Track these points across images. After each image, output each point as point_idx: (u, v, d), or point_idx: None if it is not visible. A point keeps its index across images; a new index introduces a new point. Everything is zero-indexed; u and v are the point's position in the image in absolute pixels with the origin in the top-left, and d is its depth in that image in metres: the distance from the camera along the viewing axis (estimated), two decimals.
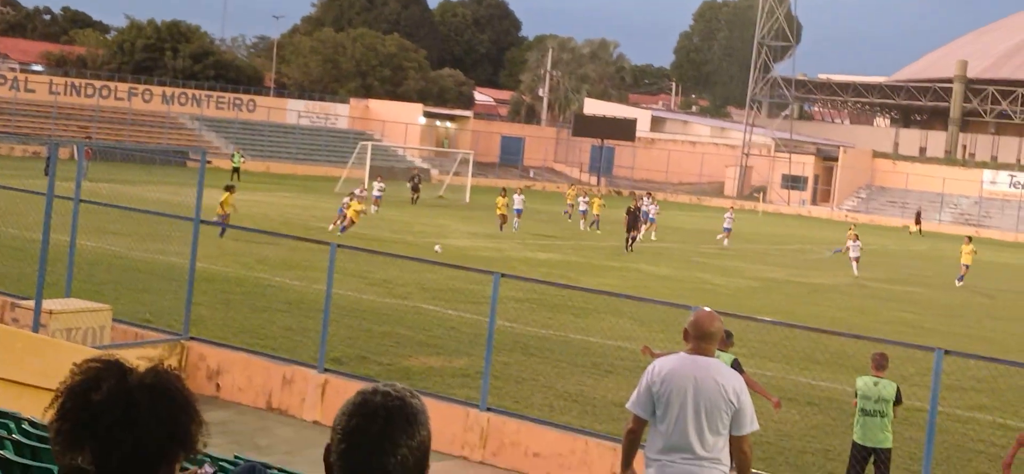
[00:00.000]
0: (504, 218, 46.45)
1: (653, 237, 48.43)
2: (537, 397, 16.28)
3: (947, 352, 11.95)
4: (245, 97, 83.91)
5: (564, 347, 20.67)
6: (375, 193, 49.50)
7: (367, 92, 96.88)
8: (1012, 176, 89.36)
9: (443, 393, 15.01)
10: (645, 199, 53.01)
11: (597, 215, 51.19)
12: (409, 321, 21.85)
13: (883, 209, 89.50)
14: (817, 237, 49.85)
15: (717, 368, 7.31)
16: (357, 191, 42.29)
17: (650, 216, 50.46)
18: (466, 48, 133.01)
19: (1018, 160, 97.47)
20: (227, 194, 33.31)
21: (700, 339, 7.34)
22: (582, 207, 52.37)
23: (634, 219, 43.64)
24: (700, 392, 7.16)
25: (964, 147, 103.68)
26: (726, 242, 49.42)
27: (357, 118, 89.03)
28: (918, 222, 74.27)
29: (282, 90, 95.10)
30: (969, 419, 17.71)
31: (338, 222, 38.62)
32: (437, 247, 34.73)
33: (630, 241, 42.66)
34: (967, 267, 41.09)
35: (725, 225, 50.75)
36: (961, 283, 40.43)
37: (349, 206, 38.75)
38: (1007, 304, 36.81)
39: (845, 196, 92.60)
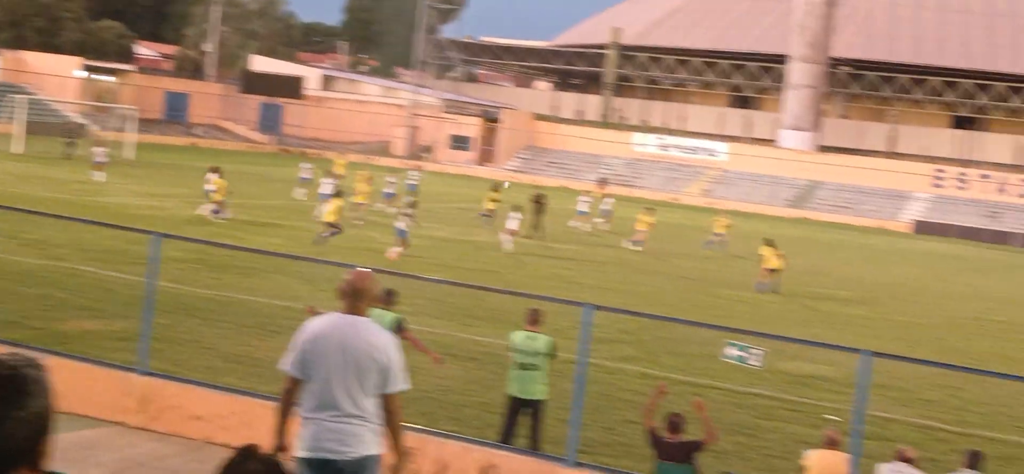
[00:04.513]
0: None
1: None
2: (199, 359, 16.09)
3: (597, 308, 12.58)
4: None
5: (228, 308, 20.47)
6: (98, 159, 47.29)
7: (20, 43, 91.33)
8: (660, 139, 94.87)
9: (100, 358, 14.58)
10: (414, 172, 53.00)
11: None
12: (65, 283, 21.03)
13: (544, 169, 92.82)
14: (482, 196, 51.15)
15: (367, 327, 7.49)
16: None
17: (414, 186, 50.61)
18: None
19: (665, 123, 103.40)
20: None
21: (353, 297, 7.54)
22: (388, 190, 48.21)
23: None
24: (348, 351, 7.33)
25: (617, 111, 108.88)
26: (589, 225, 48.32)
27: (9, 71, 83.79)
28: (602, 186, 76.92)
29: None
30: (617, 369, 18.80)
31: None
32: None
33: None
34: (644, 232, 43.26)
35: (582, 209, 49.31)
36: (638, 248, 41.82)
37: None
38: (655, 260, 39.07)
39: (508, 157, 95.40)
